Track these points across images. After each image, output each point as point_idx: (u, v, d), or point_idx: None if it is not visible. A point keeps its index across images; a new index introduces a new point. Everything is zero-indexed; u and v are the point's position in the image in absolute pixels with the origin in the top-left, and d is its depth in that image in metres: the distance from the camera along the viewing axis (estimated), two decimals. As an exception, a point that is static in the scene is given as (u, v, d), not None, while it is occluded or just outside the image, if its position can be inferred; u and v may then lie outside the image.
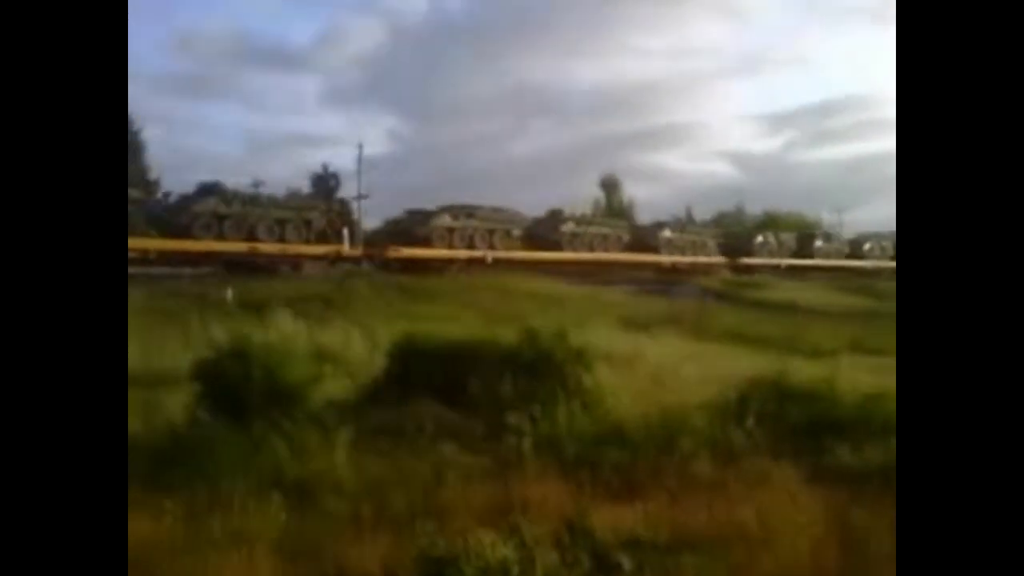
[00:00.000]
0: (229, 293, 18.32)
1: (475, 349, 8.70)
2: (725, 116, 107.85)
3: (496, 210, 34.36)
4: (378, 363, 10.68)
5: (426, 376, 8.66)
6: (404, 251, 30.05)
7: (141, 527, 5.25)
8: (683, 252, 39.47)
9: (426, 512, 6.08)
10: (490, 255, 32.20)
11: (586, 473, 6.62)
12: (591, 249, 36.09)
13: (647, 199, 65.25)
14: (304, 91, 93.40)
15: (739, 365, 11.23)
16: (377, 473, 6.57)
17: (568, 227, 36.05)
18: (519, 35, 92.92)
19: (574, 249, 35.43)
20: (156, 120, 75.13)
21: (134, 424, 8.60)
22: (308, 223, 29.55)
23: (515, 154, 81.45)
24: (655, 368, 11.50)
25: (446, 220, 32.03)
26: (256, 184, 32.39)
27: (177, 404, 8.96)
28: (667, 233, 39.60)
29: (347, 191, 38.51)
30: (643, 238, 39.20)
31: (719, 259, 41.08)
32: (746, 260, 41.11)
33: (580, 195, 52.99)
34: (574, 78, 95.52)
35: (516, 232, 34.36)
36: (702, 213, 53.17)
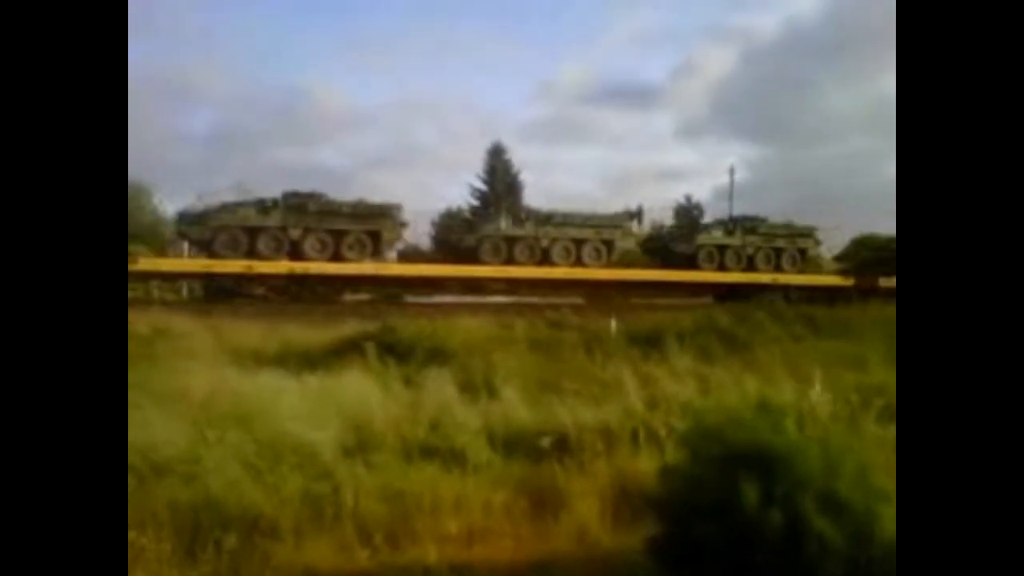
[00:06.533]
0: (613, 324, 15.83)
1: None
2: None
3: None
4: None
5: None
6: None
7: None
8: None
9: None
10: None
11: None
12: None
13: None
14: (660, 125, 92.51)
15: None
16: None
17: None
18: (881, 46, 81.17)
19: None
20: (527, 164, 79.29)
21: None
22: (609, 244, 29.16)
23: (887, 174, 70.66)
24: None
25: None
26: (629, 215, 31.75)
27: (589, 513, 5.57)
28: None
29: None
30: None
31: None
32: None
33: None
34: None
35: None
36: None
